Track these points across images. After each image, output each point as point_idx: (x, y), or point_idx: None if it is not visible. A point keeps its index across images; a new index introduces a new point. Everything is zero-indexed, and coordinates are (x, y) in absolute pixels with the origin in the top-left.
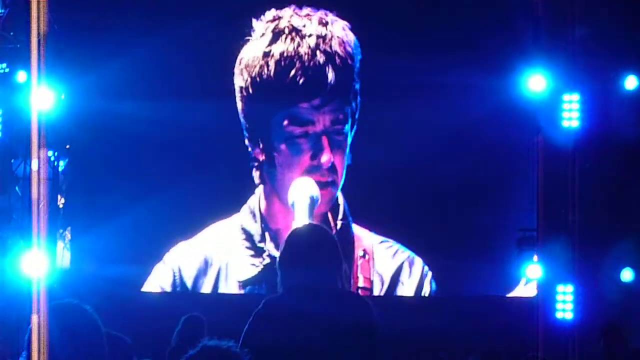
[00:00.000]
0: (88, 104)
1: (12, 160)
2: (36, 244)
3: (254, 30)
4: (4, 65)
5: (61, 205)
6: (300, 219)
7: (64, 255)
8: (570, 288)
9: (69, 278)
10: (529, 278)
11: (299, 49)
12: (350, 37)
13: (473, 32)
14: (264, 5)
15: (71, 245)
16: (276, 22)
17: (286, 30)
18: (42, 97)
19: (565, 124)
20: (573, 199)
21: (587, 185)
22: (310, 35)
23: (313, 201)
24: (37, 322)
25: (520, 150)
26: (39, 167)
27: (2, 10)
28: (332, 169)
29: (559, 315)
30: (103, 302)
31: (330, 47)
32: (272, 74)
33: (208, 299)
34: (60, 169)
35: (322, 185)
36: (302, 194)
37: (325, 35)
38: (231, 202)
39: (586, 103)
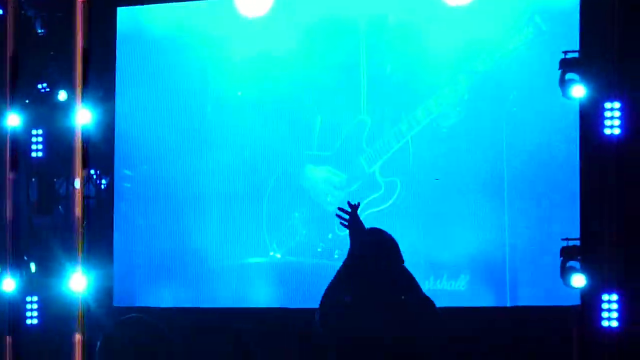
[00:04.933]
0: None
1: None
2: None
3: None
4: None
5: None
6: None
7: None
8: (615, 297)
9: None
10: (573, 287)
11: None
12: None
13: None
14: None
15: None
16: None
17: None
18: (83, 115)
19: (607, 131)
20: (616, 206)
21: (631, 192)
22: None
23: None
24: (81, 340)
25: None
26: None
27: (42, 31)
28: None
29: (604, 323)
30: None
31: None
32: None
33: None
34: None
35: None
36: None
37: None
38: None
39: (626, 110)
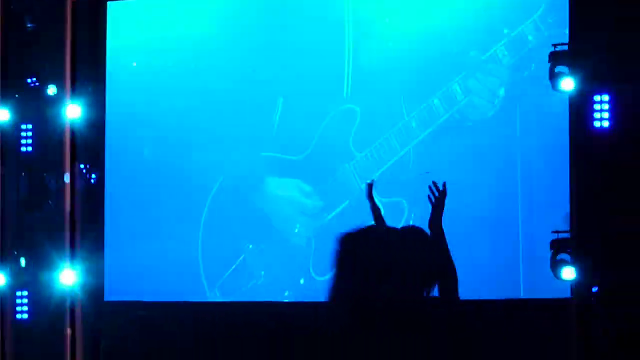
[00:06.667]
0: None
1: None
2: (70, 258)
3: None
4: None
5: None
6: None
7: None
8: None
9: None
10: (563, 279)
11: None
12: None
13: None
14: None
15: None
16: None
17: None
18: (72, 109)
19: (597, 124)
20: (607, 199)
21: (622, 185)
22: None
23: None
24: (71, 335)
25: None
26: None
27: (31, 25)
28: None
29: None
30: None
31: None
32: None
33: None
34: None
35: None
36: None
37: None
38: None
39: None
